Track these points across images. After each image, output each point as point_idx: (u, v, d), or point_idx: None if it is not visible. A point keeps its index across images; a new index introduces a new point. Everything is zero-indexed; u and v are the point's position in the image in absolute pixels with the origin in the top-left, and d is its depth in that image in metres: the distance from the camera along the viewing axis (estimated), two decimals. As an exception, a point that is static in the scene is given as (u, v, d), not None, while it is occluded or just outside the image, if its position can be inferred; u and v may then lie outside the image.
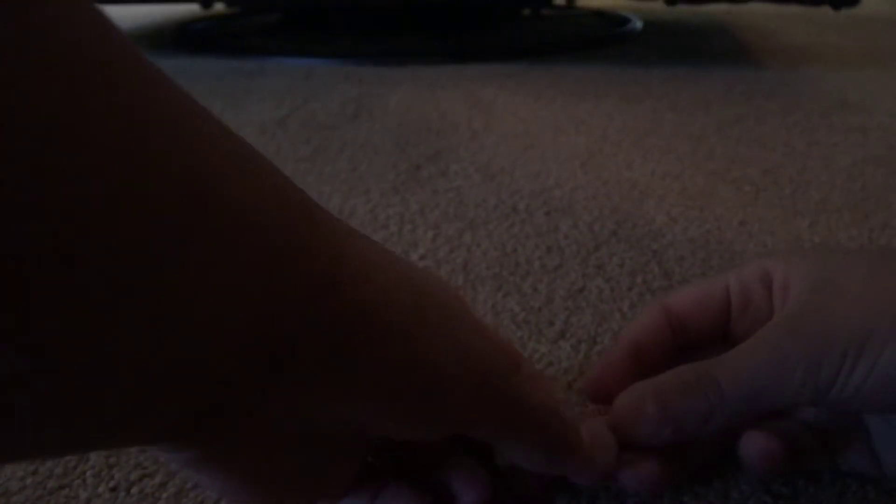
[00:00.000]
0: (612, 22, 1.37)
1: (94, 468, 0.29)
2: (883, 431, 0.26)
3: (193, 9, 1.52)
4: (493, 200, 0.55)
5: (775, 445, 0.25)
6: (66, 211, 0.12)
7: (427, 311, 0.20)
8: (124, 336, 0.14)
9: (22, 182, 0.12)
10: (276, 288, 0.16)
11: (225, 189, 0.15)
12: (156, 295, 0.14)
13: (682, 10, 1.49)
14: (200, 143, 0.16)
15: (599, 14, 1.45)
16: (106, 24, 0.14)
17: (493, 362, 0.22)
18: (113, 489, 0.28)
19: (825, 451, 0.27)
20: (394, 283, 0.19)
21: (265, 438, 0.19)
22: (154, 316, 0.14)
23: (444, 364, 0.20)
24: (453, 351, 0.20)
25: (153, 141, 0.14)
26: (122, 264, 0.13)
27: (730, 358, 0.24)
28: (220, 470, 0.19)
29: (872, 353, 0.22)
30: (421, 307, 0.20)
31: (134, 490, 0.28)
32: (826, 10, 1.07)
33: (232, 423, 0.17)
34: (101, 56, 0.14)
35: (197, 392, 0.16)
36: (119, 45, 0.14)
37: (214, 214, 0.15)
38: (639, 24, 1.32)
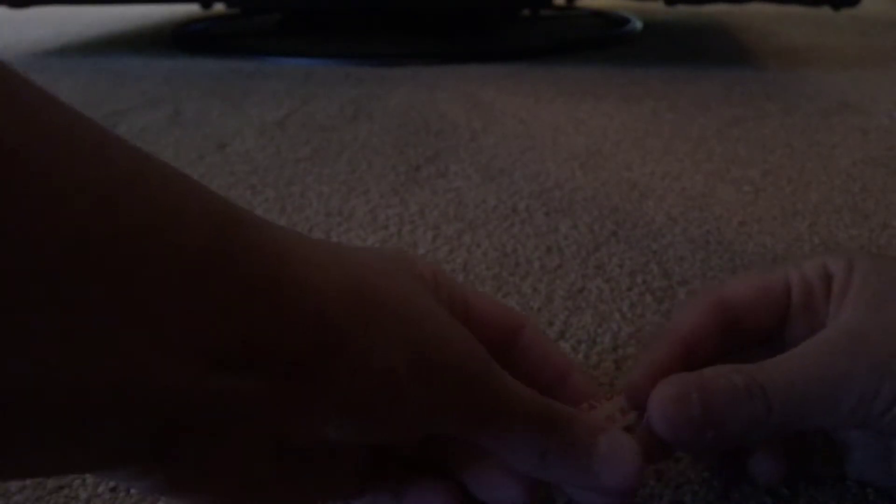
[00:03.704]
0: (611, 22, 1.37)
1: (94, 469, 0.29)
2: None
3: (193, 9, 1.52)
4: (492, 201, 0.55)
5: (783, 467, 0.24)
6: None
7: (374, 310, 0.19)
8: (49, 357, 0.13)
9: None
10: (205, 296, 0.15)
11: (132, 203, 0.15)
12: (72, 314, 0.13)
13: (682, 10, 1.49)
14: (95, 154, 0.15)
15: (599, 14, 1.45)
16: None
17: (452, 355, 0.20)
18: (113, 489, 0.28)
19: (835, 458, 0.26)
20: (337, 283, 0.19)
21: (232, 458, 0.18)
22: (67, 333, 0.14)
23: (393, 364, 0.19)
24: (402, 349, 0.19)
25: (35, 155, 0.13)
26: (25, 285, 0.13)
27: (780, 368, 0.22)
28: (190, 493, 0.18)
29: None
30: (366, 307, 0.19)
31: (133, 490, 0.28)
32: (826, 11, 1.07)
33: (191, 444, 0.16)
34: None
35: (141, 410, 0.15)
36: None
37: (124, 230, 0.14)
38: (638, 25, 1.32)
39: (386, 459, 0.24)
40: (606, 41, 1.22)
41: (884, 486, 0.26)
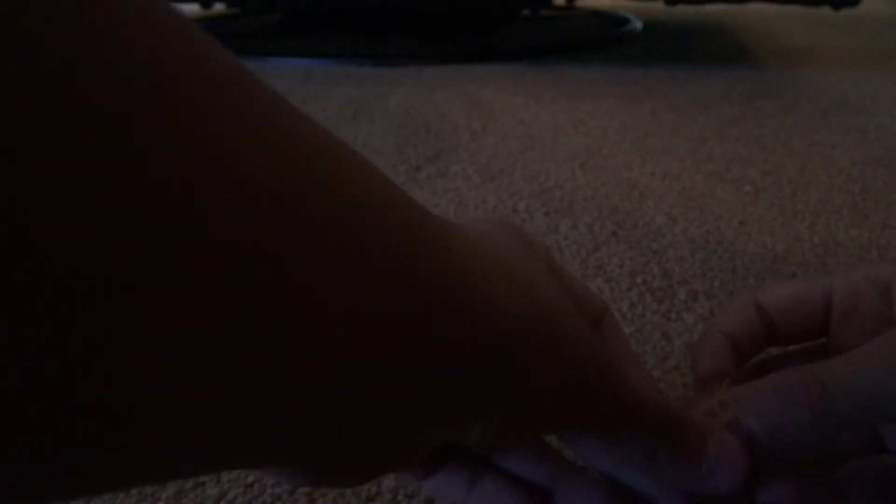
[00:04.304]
0: (611, 22, 1.37)
1: (94, 469, 0.29)
2: None
3: (193, 9, 1.52)
4: (492, 201, 0.55)
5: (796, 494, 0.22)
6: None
7: (548, 333, 0.18)
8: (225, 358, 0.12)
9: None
10: (388, 307, 0.14)
11: (322, 198, 0.13)
12: (252, 315, 0.12)
13: (682, 10, 1.49)
14: (289, 140, 0.13)
15: (599, 14, 1.45)
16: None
17: (596, 366, 0.20)
18: (112, 490, 0.28)
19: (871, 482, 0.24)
20: (518, 302, 0.18)
21: (378, 458, 0.17)
22: (250, 333, 0.12)
23: (554, 385, 0.18)
24: (561, 368, 0.18)
25: (229, 140, 0.12)
26: (206, 279, 0.11)
27: (841, 360, 0.21)
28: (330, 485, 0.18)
29: None
30: (542, 330, 0.18)
31: (133, 490, 0.28)
32: (826, 11, 1.07)
33: (342, 448, 0.16)
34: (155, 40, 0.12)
35: (295, 414, 0.14)
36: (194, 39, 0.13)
37: (312, 228, 0.13)
38: (639, 25, 1.32)
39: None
40: (606, 41, 1.22)
41: None
